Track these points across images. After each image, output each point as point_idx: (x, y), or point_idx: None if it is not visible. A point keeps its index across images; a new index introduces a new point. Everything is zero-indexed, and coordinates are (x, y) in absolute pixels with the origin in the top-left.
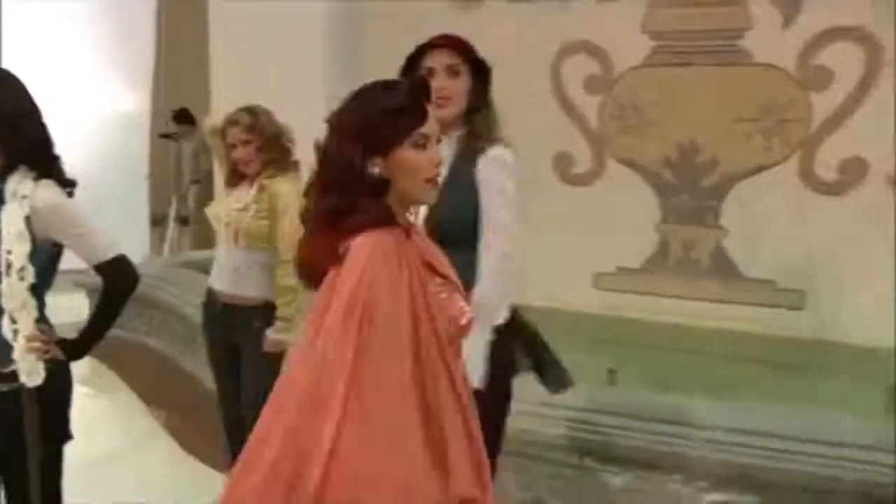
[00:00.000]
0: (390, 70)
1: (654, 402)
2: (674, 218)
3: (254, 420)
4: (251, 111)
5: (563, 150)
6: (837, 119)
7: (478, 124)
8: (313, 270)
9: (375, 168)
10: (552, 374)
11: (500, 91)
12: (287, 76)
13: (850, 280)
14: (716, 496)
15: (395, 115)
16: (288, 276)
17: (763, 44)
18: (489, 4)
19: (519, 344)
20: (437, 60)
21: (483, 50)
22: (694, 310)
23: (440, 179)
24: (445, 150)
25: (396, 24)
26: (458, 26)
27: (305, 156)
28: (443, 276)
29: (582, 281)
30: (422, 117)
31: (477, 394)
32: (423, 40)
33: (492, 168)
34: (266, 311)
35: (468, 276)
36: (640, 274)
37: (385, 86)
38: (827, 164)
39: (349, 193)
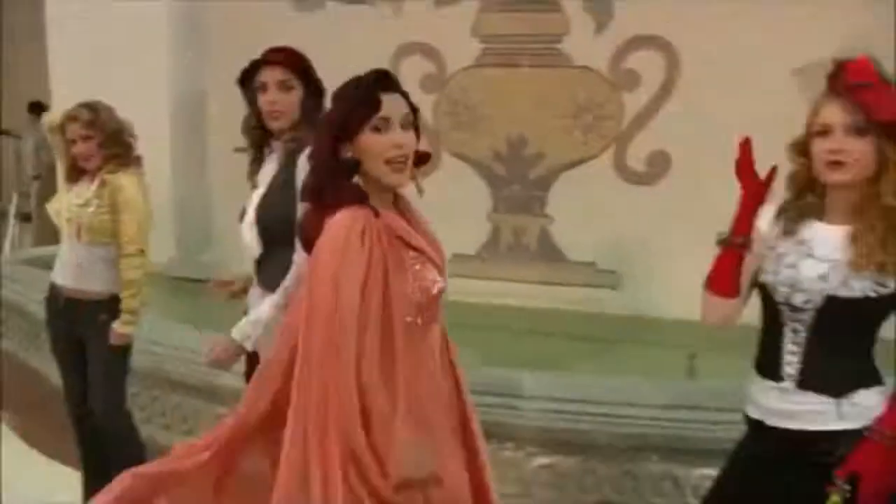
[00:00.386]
0: (234, 69)
1: (487, 376)
2: (504, 207)
3: (102, 412)
4: (91, 107)
5: None
6: (645, 117)
7: (302, 130)
8: (308, 241)
9: (348, 153)
10: None
11: None
12: (130, 73)
13: (659, 261)
14: (543, 460)
15: (355, 104)
16: (132, 270)
17: (579, 48)
18: (330, 6)
19: None
20: (270, 76)
21: (325, 50)
22: (523, 291)
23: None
24: (275, 158)
25: (240, 23)
26: (301, 28)
27: (148, 152)
28: (416, 249)
29: None
30: (376, 105)
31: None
32: (266, 40)
33: (304, 166)
34: (111, 305)
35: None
36: (475, 260)
37: (350, 81)
38: (637, 156)
39: (327, 175)
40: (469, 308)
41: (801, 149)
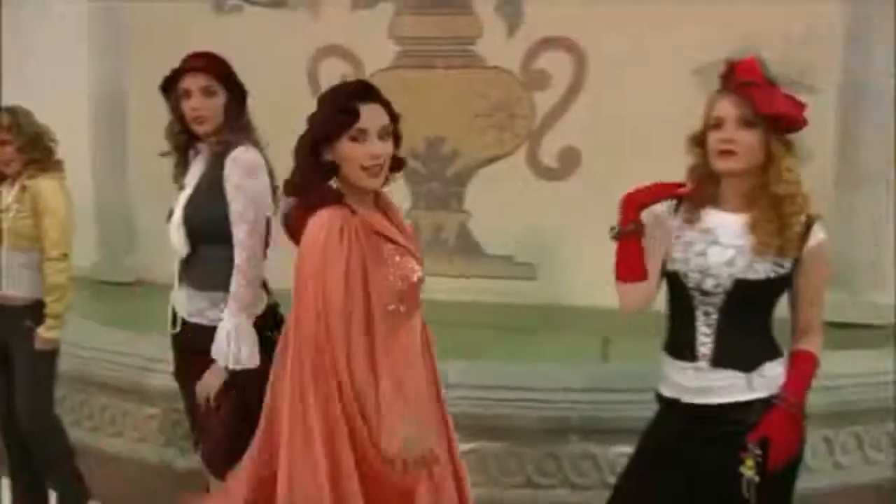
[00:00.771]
0: (153, 72)
1: None
2: (424, 204)
3: (29, 418)
4: (10, 111)
5: None
6: (555, 115)
7: (228, 134)
8: (293, 233)
9: (328, 156)
10: None
11: (261, 93)
12: (49, 75)
13: (573, 252)
14: (468, 445)
15: (333, 114)
16: (56, 274)
17: (492, 49)
18: (248, 10)
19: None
20: (193, 82)
21: (244, 53)
22: (444, 285)
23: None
24: (201, 160)
25: (160, 26)
26: (220, 31)
27: (68, 155)
28: (394, 242)
29: None
30: (354, 116)
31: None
32: (185, 43)
33: (234, 168)
34: (35, 310)
35: (222, 271)
36: None
37: (332, 90)
38: (549, 153)
39: (307, 175)
40: None
41: (699, 140)
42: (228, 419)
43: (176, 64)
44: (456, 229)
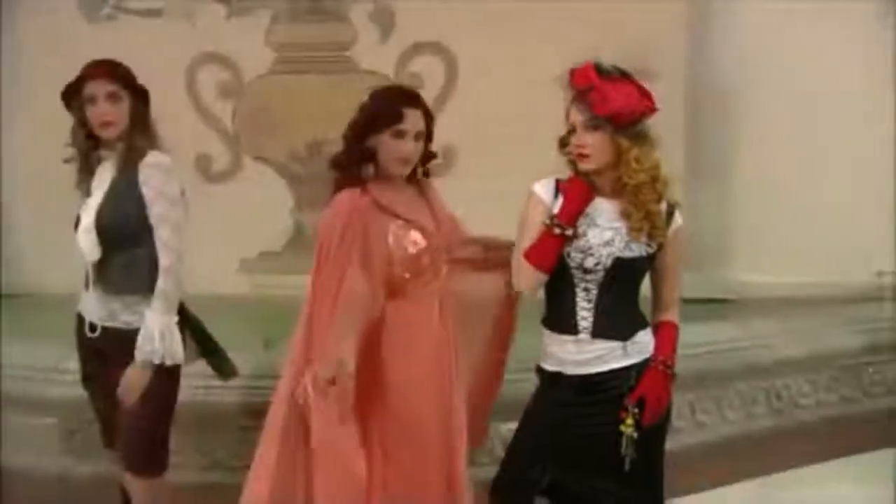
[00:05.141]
0: (28, 81)
1: None
2: (306, 205)
3: None
4: None
5: (203, 152)
6: None
7: (136, 138)
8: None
9: (371, 143)
10: (219, 363)
11: None
12: None
13: None
14: None
15: (383, 110)
16: None
17: (367, 55)
18: (123, 19)
19: (188, 335)
20: (98, 88)
21: (123, 61)
22: None
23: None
24: (109, 166)
25: (37, 35)
26: (96, 40)
27: None
28: (400, 218)
29: (229, 267)
30: (399, 118)
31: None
32: (59, 53)
33: (151, 172)
34: None
35: (136, 275)
36: (281, 256)
37: (386, 89)
38: None
39: (348, 156)
40: (279, 301)
41: (564, 143)
42: (152, 417)
43: (45, 72)
44: None
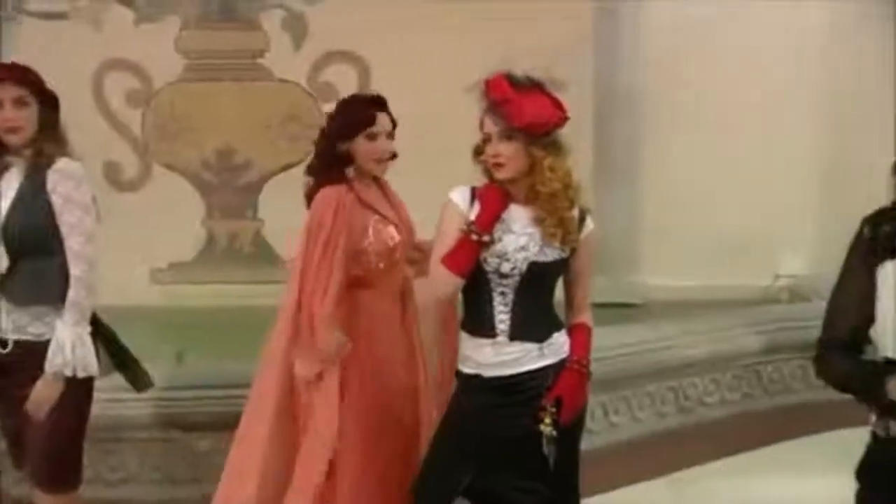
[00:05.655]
0: None
1: (224, 371)
2: (218, 213)
3: None
4: None
5: (111, 160)
6: None
7: (44, 144)
8: (309, 202)
9: (343, 148)
10: (134, 375)
11: None
12: None
13: None
14: None
15: (355, 117)
16: None
17: (280, 63)
18: (27, 21)
19: (101, 346)
20: (4, 93)
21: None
22: (243, 292)
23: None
24: (16, 172)
25: None
26: None
27: None
28: (380, 213)
29: (140, 278)
30: (371, 121)
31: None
32: None
33: (60, 179)
34: None
35: (44, 285)
36: (192, 265)
37: (352, 98)
38: None
39: (323, 161)
40: (192, 312)
41: (479, 151)
42: (64, 431)
43: None
44: (251, 237)
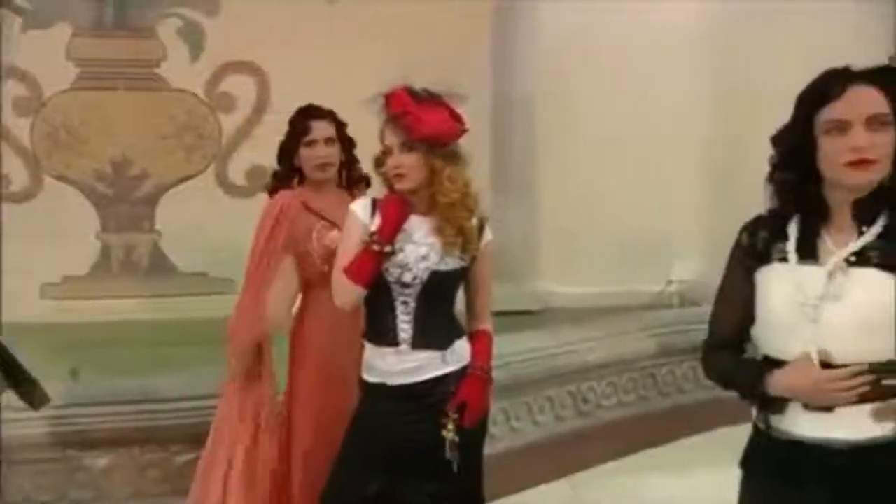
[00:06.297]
0: None
1: (120, 387)
2: (113, 226)
3: None
4: None
5: None
6: (242, 135)
7: None
8: None
9: (294, 160)
10: (29, 392)
11: None
12: None
13: None
14: (188, 456)
15: (293, 130)
16: None
17: (176, 73)
18: None
19: None
20: None
21: None
22: (140, 306)
23: None
24: None
25: None
26: None
27: None
28: (324, 218)
29: (30, 293)
30: (306, 130)
31: None
32: None
33: None
34: None
35: None
36: (87, 280)
37: (296, 110)
38: (238, 171)
39: (282, 173)
40: (86, 327)
41: (379, 163)
42: None
43: None
44: (149, 250)
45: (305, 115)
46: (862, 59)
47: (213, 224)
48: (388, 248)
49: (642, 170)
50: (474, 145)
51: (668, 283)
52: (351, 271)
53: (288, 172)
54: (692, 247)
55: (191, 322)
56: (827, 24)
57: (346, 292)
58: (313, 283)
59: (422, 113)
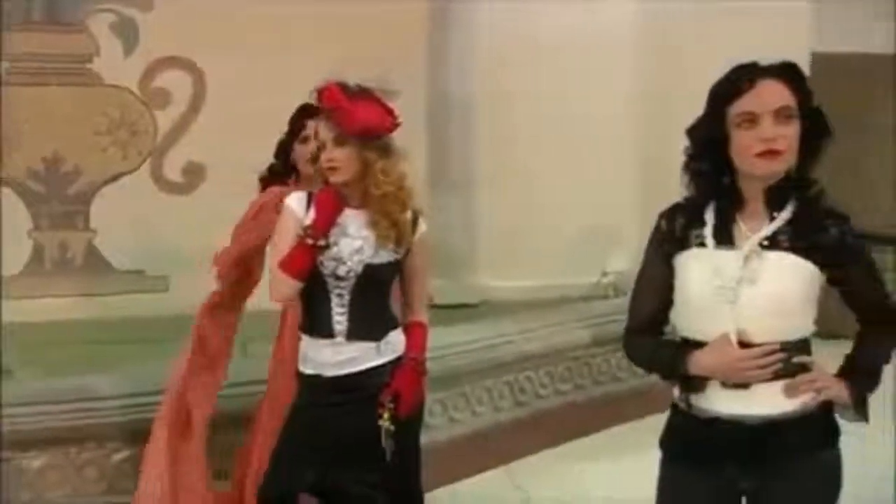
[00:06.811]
0: None
1: (56, 387)
2: (46, 224)
3: None
4: None
5: None
6: (177, 131)
7: None
8: None
9: (289, 153)
10: None
11: None
12: None
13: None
14: (125, 453)
15: (290, 126)
16: None
17: (110, 68)
18: None
19: None
20: None
21: None
22: (75, 305)
23: None
24: None
25: None
26: None
27: None
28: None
29: None
30: (300, 128)
31: None
32: None
33: None
34: None
35: None
36: (19, 279)
37: (296, 109)
38: (173, 168)
39: (277, 165)
40: (20, 328)
41: (314, 158)
42: None
43: None
44: (83, 248)
45: (302, 114)
46: (787, 56)
47: (149, 221)
48: (322, 242)
49: (578, 166)
50: (410, 141)
51: (603, 274)
52: (286, 265)
53: (284, 168)
54: (626, 239)
55: (127, 320)
56: (756, 24)
57: (282, 286)
58: None
59: (353, 107)
